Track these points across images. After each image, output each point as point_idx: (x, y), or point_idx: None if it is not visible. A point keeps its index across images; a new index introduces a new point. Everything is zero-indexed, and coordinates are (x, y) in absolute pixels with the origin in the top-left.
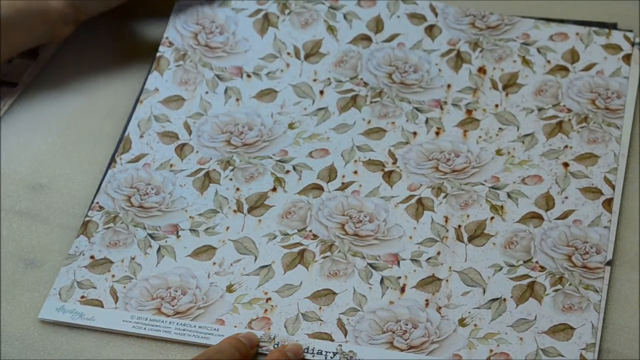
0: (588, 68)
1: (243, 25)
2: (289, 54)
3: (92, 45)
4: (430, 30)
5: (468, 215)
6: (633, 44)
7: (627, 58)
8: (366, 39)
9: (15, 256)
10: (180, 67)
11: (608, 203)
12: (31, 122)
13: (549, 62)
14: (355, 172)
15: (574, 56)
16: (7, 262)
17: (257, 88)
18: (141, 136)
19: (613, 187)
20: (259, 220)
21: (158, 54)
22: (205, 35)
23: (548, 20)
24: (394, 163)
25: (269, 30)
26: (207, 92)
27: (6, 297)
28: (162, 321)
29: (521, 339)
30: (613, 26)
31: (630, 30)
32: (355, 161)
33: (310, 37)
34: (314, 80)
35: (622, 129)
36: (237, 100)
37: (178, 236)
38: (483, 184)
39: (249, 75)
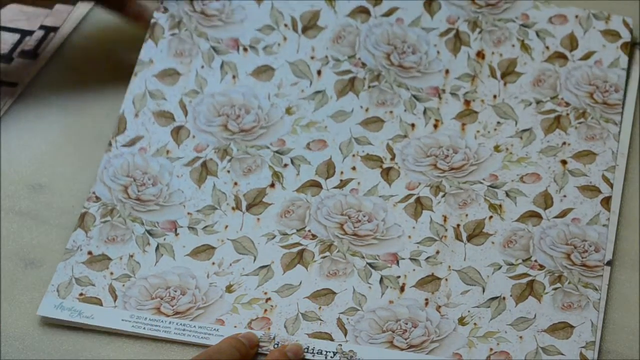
0: (586, 57)
1: None
2: (286, 25)
3: (92, 45)
4: (430, 5)
5: (467, 215)
6: (632, 36)
7: (625, 46)
8: (365, 11)
9: (15, 256)
10: (176, 36)
11: (606, 201)
12: (31, 122)
13: (547, 48)
14: (354, 169)
15: (572, 42)
16: (7, 262)
17: (253, 64)
18: (136, 115)
19: (611, 186)
20: (258, 219)
21: (152, 21)
22: (201, 1)
23: None
24: (392, 159)
25: None
26: (202, 67)
27: (6, 297)
28: (162, 321)
29: (521, 337)
30: None
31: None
32: (354, 156)
33: (308, 7)
34: (312, 57)
35: (620, 127)
36: (234, 77)
37: (177, 234)
38: (481, 183)
39: (245, 49)
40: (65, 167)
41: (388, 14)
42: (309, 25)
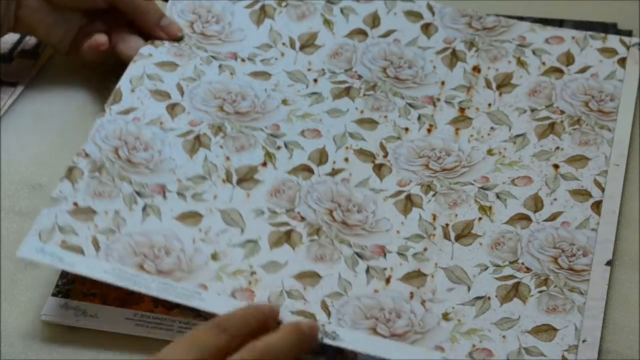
0: (582, 70)
1: (239, 16)
2: (284, 44)
3: None
4: (427, 29)
5: (456, 215)
6: (629, 48)
7: (622, 61)
8: (362, 33)
9: (15, 256)
10: (175, 47)
11: (597, 205)
12: (31, 122)
13: (543, 63)
14: (346, 160)
15: (569, 59)
16: (7, 262)
17: (251, 70)
18: (132, 90)
19: (603, 190)
20: (248, 194)
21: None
22: (201, 24)
23: (547, 20)
24: (385, 156)
25: (265, 21)
26: (201, 64)
27: (6, 297)
28: (144, 277)
29: (504, 336)
30: (613, 26)
31: (629, 32)
32: (347, 148)
33: (306, 30)
34: (308, 69)
35: (614, 132)
36: (231, 74)
37: (165, 197)
38: (472, 184)
39: (243, 60)
40: (65, 167)
41: (385, 35)
42: (307, 44)
